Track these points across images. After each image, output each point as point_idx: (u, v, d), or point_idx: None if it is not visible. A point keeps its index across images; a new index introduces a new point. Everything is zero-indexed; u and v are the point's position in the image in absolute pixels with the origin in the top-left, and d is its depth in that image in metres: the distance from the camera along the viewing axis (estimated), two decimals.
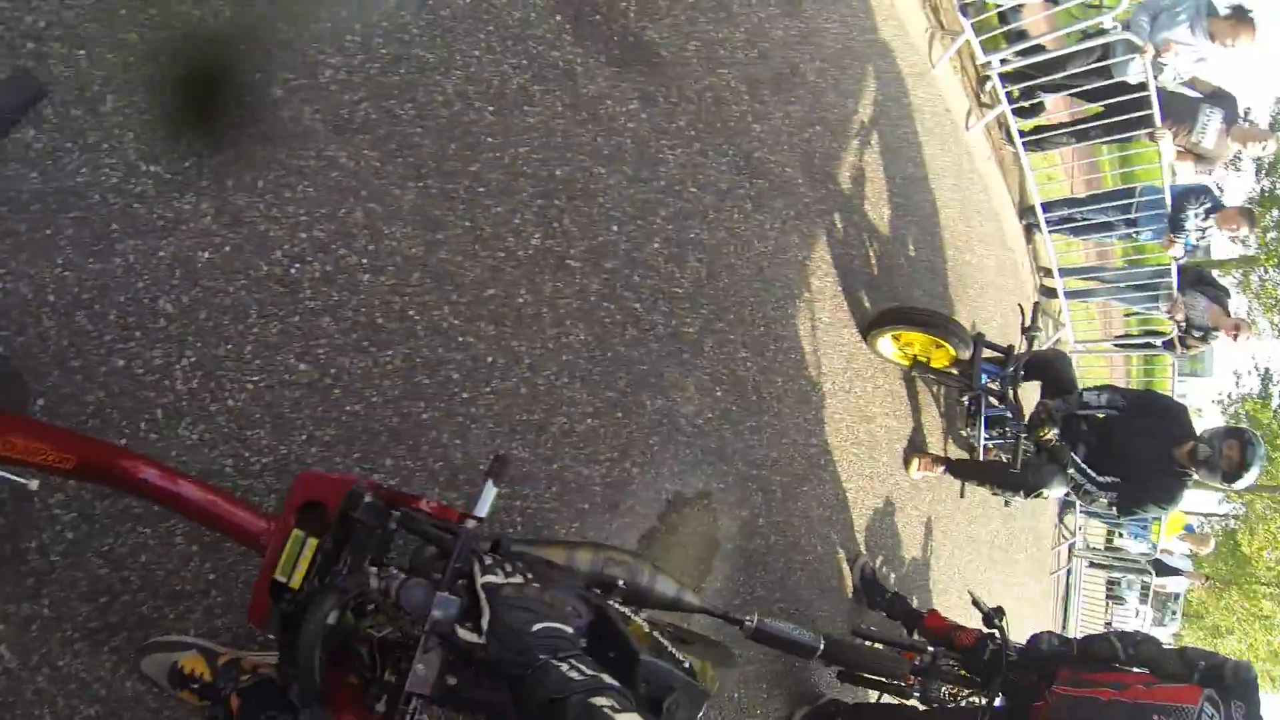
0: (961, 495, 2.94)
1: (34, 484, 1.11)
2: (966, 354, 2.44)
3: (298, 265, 1.45)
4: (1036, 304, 2.95)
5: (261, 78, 1.47)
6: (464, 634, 0.79)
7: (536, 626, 0.76)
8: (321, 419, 1.42)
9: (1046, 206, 3.74)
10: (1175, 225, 3.39)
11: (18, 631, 1.23)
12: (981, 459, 2.73)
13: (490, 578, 0.82)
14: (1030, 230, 4.02)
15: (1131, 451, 2.25)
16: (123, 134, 1.35)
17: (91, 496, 1.26)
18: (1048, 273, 4.10)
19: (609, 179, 1.86)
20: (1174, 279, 3.61)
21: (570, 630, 0.79)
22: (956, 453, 2.98)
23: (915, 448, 2.77)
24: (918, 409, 2.79)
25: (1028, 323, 2.57)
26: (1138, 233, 3.62)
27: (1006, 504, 3.33)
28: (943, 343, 2.43)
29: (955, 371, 2.53)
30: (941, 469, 2.76)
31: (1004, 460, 2.60)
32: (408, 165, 1.58)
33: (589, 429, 1.68)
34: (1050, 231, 3.80)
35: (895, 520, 2.68)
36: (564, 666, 0.72)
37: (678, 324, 1.90)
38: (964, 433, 2.86)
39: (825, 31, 2.73)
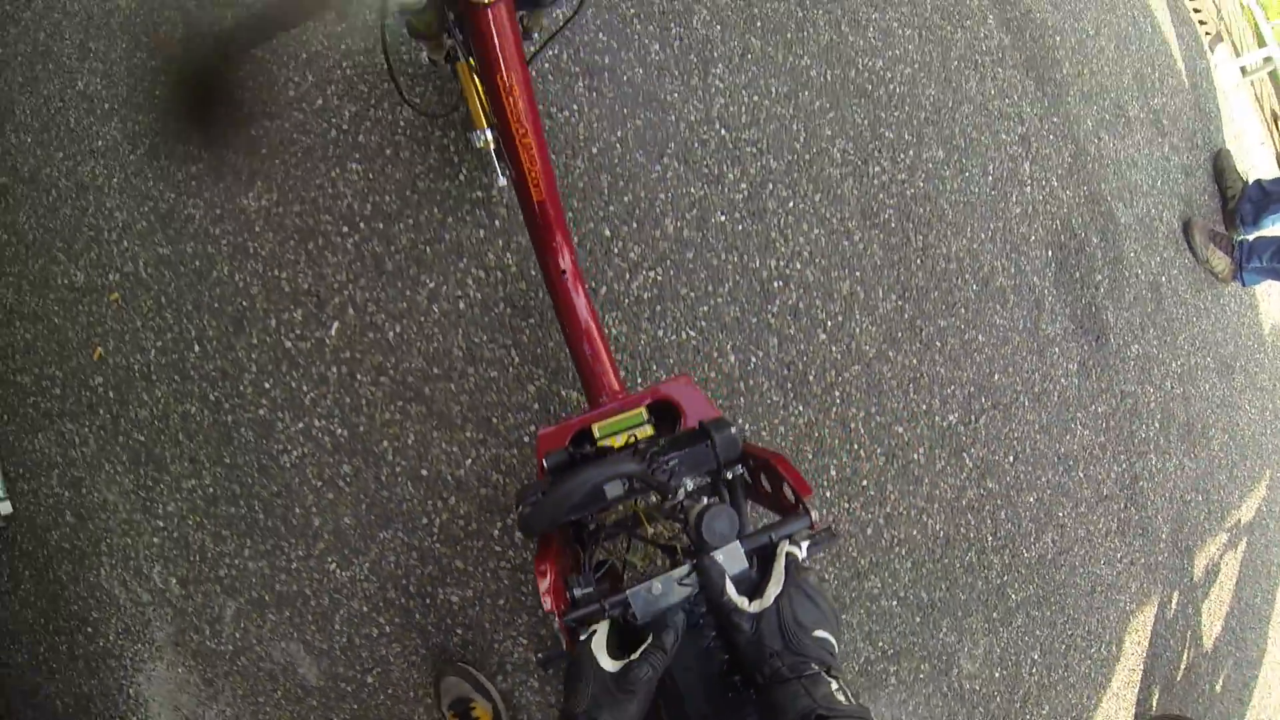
0: None
1: (501, 180, 1.34)
2: None
3: (780, 282, 1.66)
4: None
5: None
6: (733, 595, 0.73)
7: (819, 632, 0.70)
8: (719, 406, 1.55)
9: None
10: None
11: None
12: None
13: (797, 551, 0.77)
14: None
15: None
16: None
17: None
18: None
19: (1028, 414, 1.93)
20: None
21: (838, 648, 0.73)
22: None
23: None
24: None
25: None
26: None
27: None
28: None
29: None
30: None
31: None
32: (897, 280, 1.79)
33: (888, 609, 1.66)
34: None
35: None
36: (834, 685, 0.67)
37: (1007, 583, 1.85)
38: None
39: (1243, 411, 2.68)
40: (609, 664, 0.71)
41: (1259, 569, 2.77)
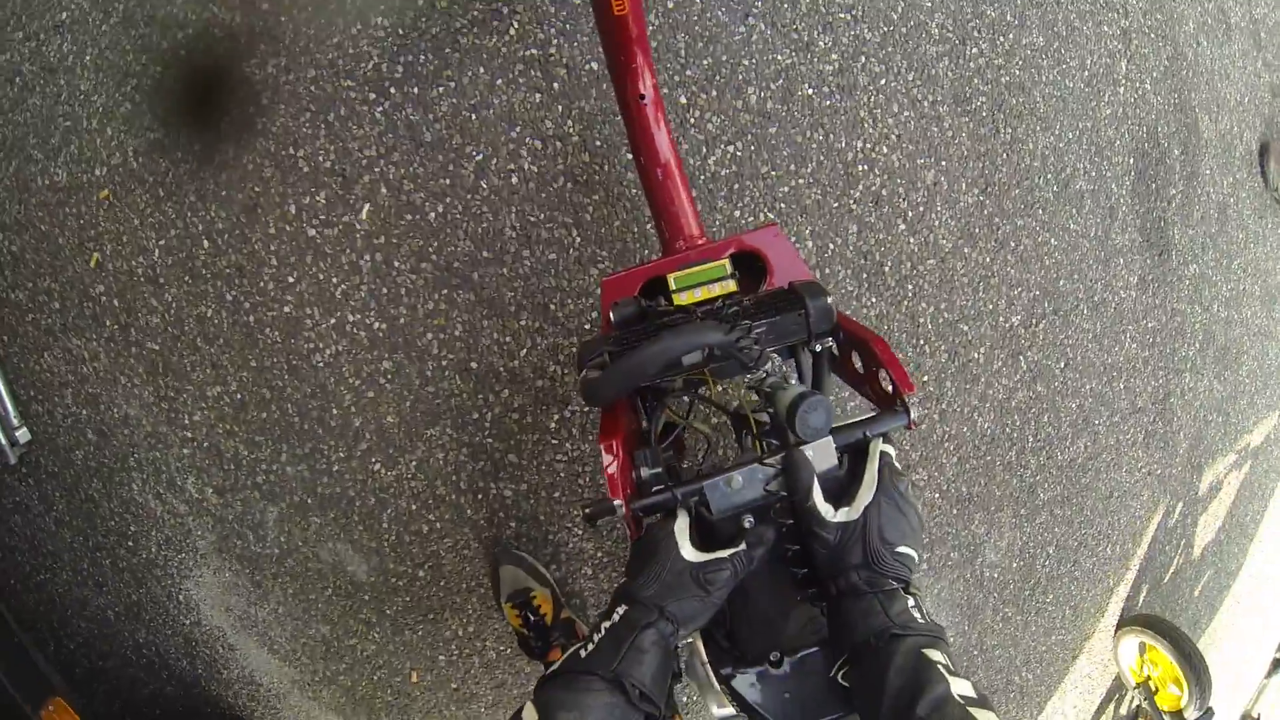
0: None
1: None
2: (1192, 716, 2.27)
3: (864, 166, 1.56)
4: None
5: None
6: (819, 502, 0.67)
7: (903, 548, 0.66)
8: None
9: None
10: None
11: None
12: None
13: (891, 451, 0.70)
14: None
15: None
16: None
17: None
18: None
19: (1085, 322, 1.91)
20: None
21: (918, 561, 0.68)
22: None
23: None
24: None
25: None
26: None
27: None
28: (1184, 687, 2.27)
29: (1167, 719, 2.36)
30: None
31: None
32: (981, 174, 1.70)
33: (930, 501, 1.72)
34: None
35: None
36: (910, 601, 0.64)
37: (1038, 481, 1.90)
38: None
39: (1276, 341, 2.68)
40: (691, 553, 0.66)
41: (1255, 491, 2.87)
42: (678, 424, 0.95)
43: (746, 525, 0.70)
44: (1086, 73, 1.89)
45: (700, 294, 0.83)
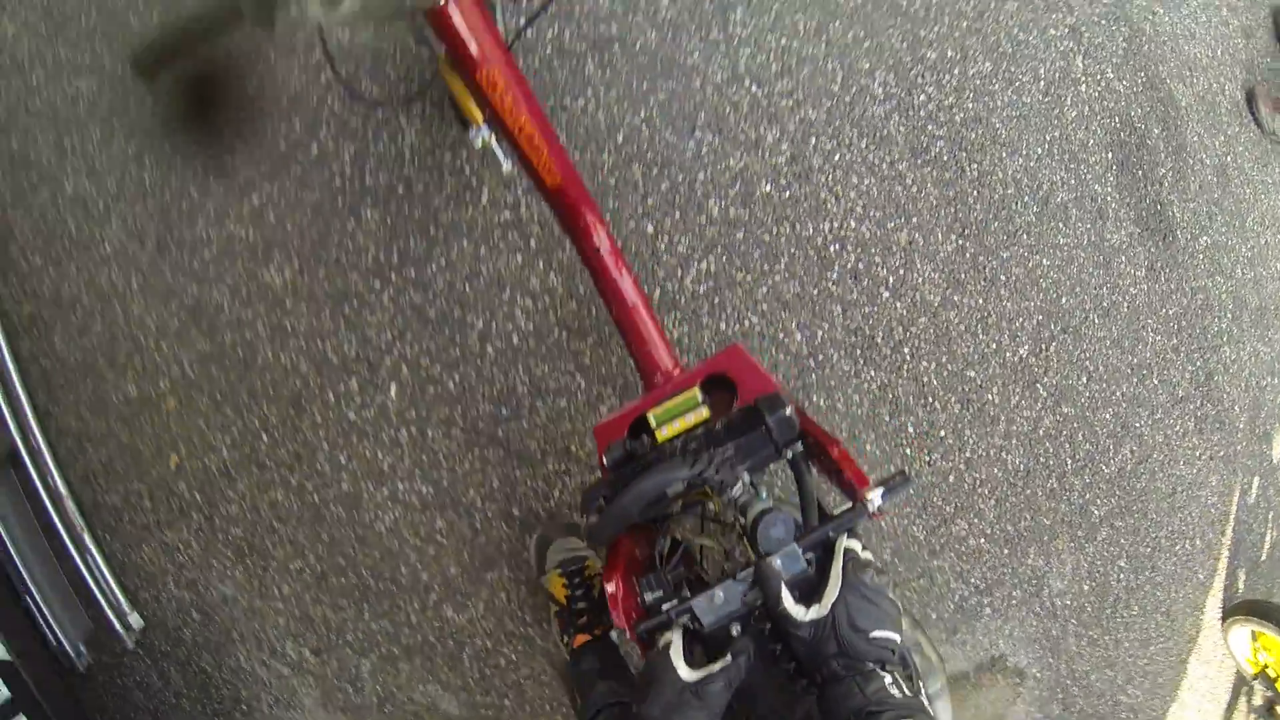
0: None
1: (507, 166, 1.29)
2: None
3: (836, 246, 1.60)
4: None
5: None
6: (789, 605, 0.72)
7: (878, 633, 0.70)
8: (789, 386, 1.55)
9: None
10: None
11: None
12: None
13: (856, 546, 0.76)
14: None
15: None
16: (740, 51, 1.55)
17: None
18: None
19: (1098, 331, 1.88)
20: None
21: (900, 641, 0.72)
22: None
23: None
24: None
25: None
26: None
27: None
28: None
29: None
30: None
31: None
32: (955, 219, 1.71)
33: (977, 547, 1.69)
34: None
35: None
36: (888, 679, 0.68)
37: (1089, 500, 1.86)
38: None
39: None
40: (686, 673, 0.73)
41: None
42: (684, 542, 1.03)
43: (734, 634, 0.77)
44: (1042, 82, 1.89)
45: (679, 425, 0.91)
